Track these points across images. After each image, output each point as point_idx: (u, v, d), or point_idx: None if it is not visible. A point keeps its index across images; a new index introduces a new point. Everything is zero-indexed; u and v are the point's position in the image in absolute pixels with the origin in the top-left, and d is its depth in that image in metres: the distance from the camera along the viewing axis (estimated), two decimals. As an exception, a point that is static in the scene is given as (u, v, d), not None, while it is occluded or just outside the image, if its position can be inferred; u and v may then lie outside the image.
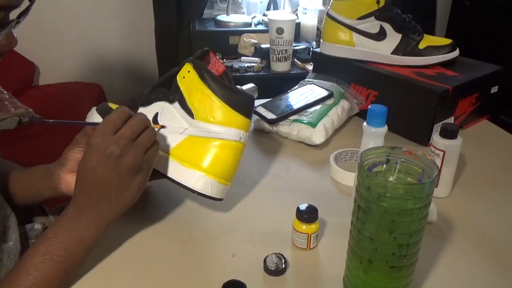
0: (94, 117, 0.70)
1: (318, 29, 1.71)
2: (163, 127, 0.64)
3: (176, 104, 0.65)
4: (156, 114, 0.65)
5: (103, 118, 0.69)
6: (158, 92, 0.67)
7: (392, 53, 0.99)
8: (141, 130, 0.56)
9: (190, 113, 0.64)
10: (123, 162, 0.54)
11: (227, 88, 0.63)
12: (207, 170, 0.63)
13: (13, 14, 0.54)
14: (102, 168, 0.54)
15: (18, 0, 0.53)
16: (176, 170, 0.64)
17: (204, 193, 0.63)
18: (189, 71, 0.64)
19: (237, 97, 0.64)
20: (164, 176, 0.65)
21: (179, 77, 0.65)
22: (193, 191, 0.63)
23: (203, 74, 0.63)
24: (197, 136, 0.64)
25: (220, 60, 0.71)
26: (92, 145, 0.54)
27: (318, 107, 0.95)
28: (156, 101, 0.66)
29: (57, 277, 0.52)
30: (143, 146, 0.56)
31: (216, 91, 0.63)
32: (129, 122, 0.56)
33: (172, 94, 0.65)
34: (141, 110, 0.67)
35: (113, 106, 0.72)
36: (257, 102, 0.99)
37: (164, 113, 0.65)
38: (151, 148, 0.57)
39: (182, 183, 0.63)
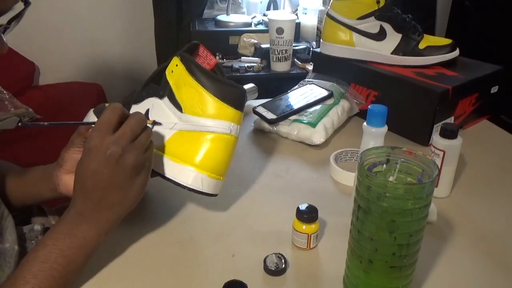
0: (91, 119, 0.69)
1: (318, 29, 1.71)
2: (155, 122, 0.63)
3: (166, 99, 0.63)
4: (147, 111, 0.64)
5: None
6: (149, 88, 0.66)
7: (392, 53, 0.99)
8: (140, 130, 0.55)
9: (178, 107, 0.62)
10: (125, 162, 0.52)
11: (216, 80, 0.62)
12: (197, 165, 0.61)
13: (4, 19, 0.53)
14: (103, 170, 0.52)
15: (5, 5, 0.52)
16: (167, 166, 0.62)
17: (195, 188, 0.61)
18: (177, 65, 0.63)
19: (226, 89, 0.62)
20: (156, 173, 0.62)
21: (167, 72, 0.64)
22: (184, 187, 0.61)
23: (191, 67, 0.62)
24: (187, 130, 0.62)
25: (211, 54, 0.69)
26: (90, 147, 0.52)
27: (318, 107, 0.95)
28: (147, 97, 0.65)
29: (56, 285, 0.50)
30: (143, 146, 0.55)
31: (205, 83, 0.61)
32: (128, 121, 0.54)
33: (162, 89, 0.64)
34: (134, 107, 0.66)
35: None
36: (257, 102, 0.99)
37: (155, 109, 0.64)
38: (149, 147, 0.56)
39: (173, 179, 0.61)
